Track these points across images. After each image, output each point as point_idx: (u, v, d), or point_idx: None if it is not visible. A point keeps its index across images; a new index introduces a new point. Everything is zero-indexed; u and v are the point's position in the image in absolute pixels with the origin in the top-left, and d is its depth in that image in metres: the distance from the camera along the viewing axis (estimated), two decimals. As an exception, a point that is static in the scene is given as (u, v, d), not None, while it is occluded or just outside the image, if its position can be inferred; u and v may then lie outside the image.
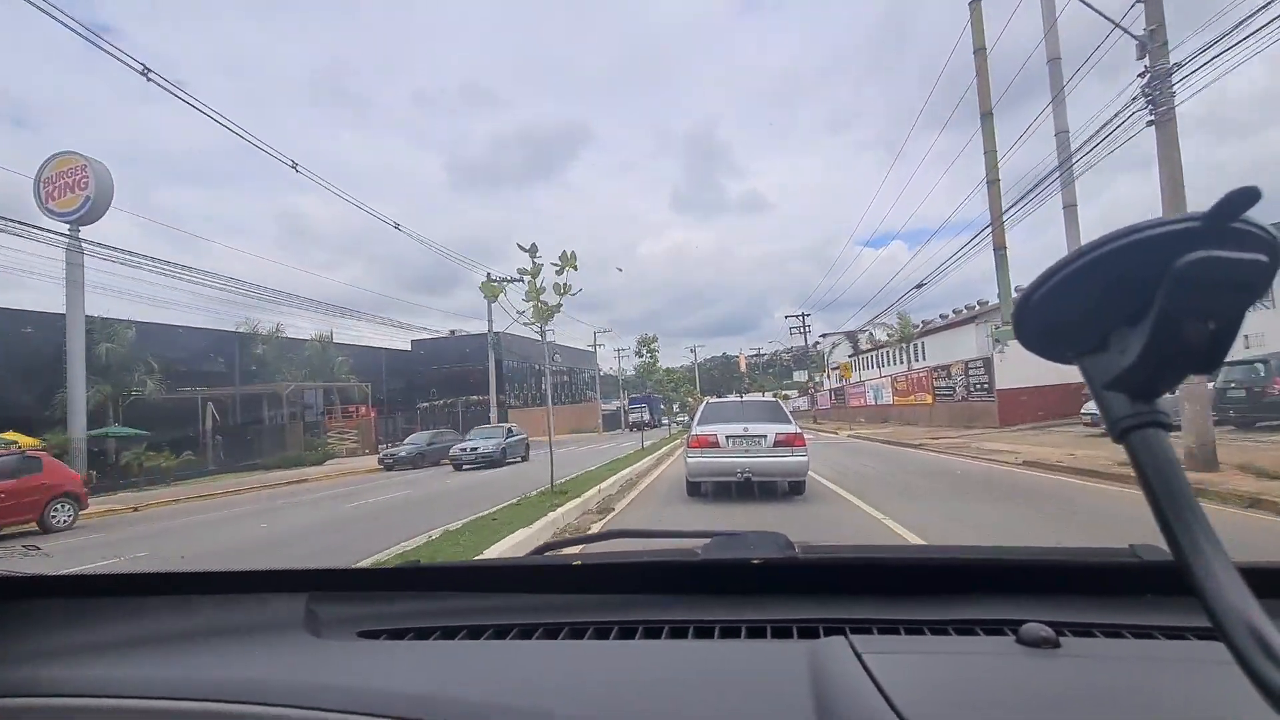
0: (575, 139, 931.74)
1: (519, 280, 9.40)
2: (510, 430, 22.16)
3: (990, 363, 21.72)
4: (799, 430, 8.53)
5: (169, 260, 20.25)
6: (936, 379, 26.13)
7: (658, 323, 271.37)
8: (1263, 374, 13.62)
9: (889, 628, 0.84)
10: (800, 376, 61.09)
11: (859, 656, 0.72)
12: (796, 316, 47.76)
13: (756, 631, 0.85)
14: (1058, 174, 15.68)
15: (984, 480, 10.01)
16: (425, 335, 41.60)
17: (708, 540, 1.06)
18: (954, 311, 38.09)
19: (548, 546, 1.32)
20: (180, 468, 22.32)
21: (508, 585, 1.04)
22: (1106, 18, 9.06)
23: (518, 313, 9.48)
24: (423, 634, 0.91)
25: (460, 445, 20.88)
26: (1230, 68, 7.66)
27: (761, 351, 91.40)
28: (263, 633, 0.92)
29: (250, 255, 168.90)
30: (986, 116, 22.73)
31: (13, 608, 0.91)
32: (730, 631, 0.86)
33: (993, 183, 22.44)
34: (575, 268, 9.05)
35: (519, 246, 8.89)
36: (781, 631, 0.85)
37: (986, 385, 22.04)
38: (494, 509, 7.93)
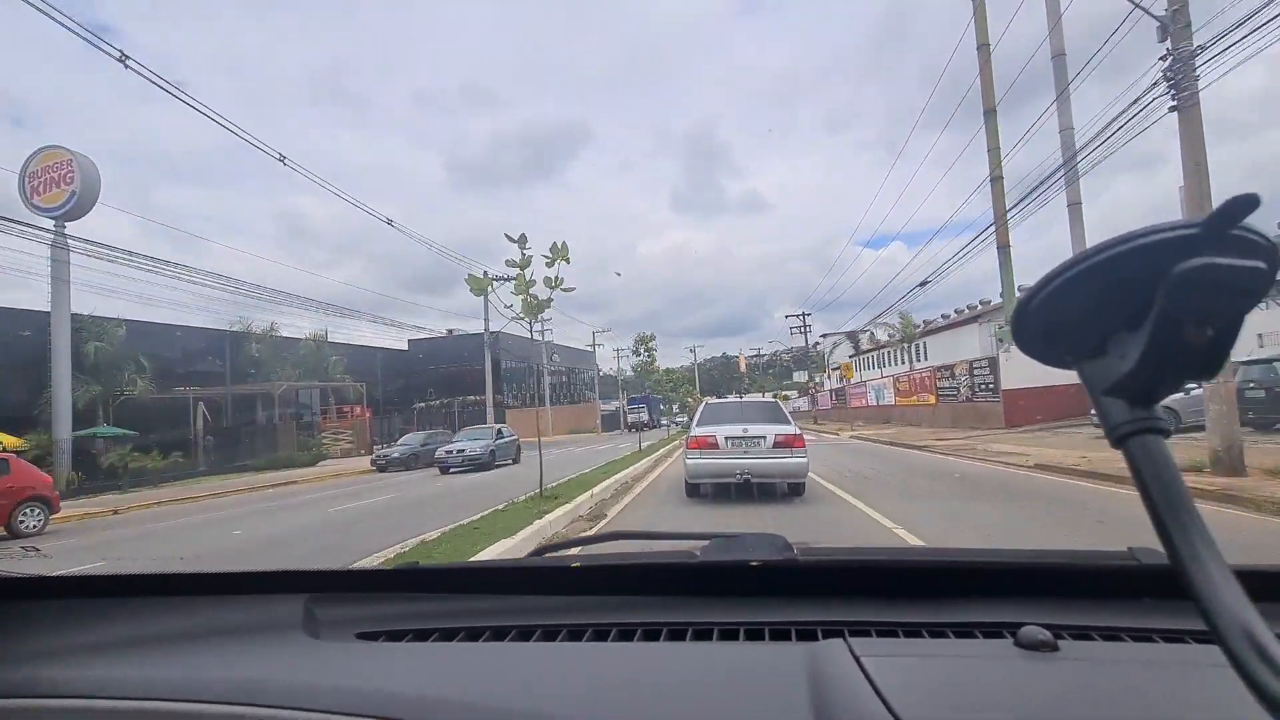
0: (575, 139, 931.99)
1: (508, 279, 8.99)
2: (500, 431, 21.21)
3: (995, 363, 21.27)
4: (799, 431, 8.44)
5: (155, 257, 19.81)
6: (940, 379, 25.67)
7: (657, 323, 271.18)
8: (1283, 373, 13.15)
9: (887, 630, 0.83)
10: (800, 377, 60.69)
11: (857, 659, 0.72)
12: (797, 316, 47.41)
13: (755, 634, 0.86)
14: (1063, 171, 15.23)
15: (999, 486, 9.40)
16: (423, 335, 41.22)
17: (706, 542, 1.06)
18: (955, 311, 37.67)
19: (546, 548, 1.33)
20: (168, 469, 21.89)
21: (506, 587, 1.04)
22: (1125, -1, 8.63)
23: (506, 306, 9.04)
24: (421, 635, 0.91)
25: (446, 447, 19.72)
26: (1259, 49, 7.24)
27: (761, 352, 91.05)
28: (261, 634, 0.92)
29: (249, 255, 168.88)
30: (990, 113, 22.40)
31: (12, 608, 0.92)
32: (729, 633, 0.86)
33: (996, 179, 22.08)
34: (567, 260, 8.61)
35: (507, 237, 8.45)
36: (780, 634, 0.85)
37: (991, 385, 21.59)
38: (476, 516, 7.44)
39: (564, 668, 0.80)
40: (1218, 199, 0.35)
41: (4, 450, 13.81)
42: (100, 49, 11.77)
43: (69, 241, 18.81)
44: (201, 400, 26.19)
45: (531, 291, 8.70)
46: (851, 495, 8.53)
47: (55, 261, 19.16)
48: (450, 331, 44.94)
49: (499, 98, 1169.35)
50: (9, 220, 16.14)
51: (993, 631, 0.81)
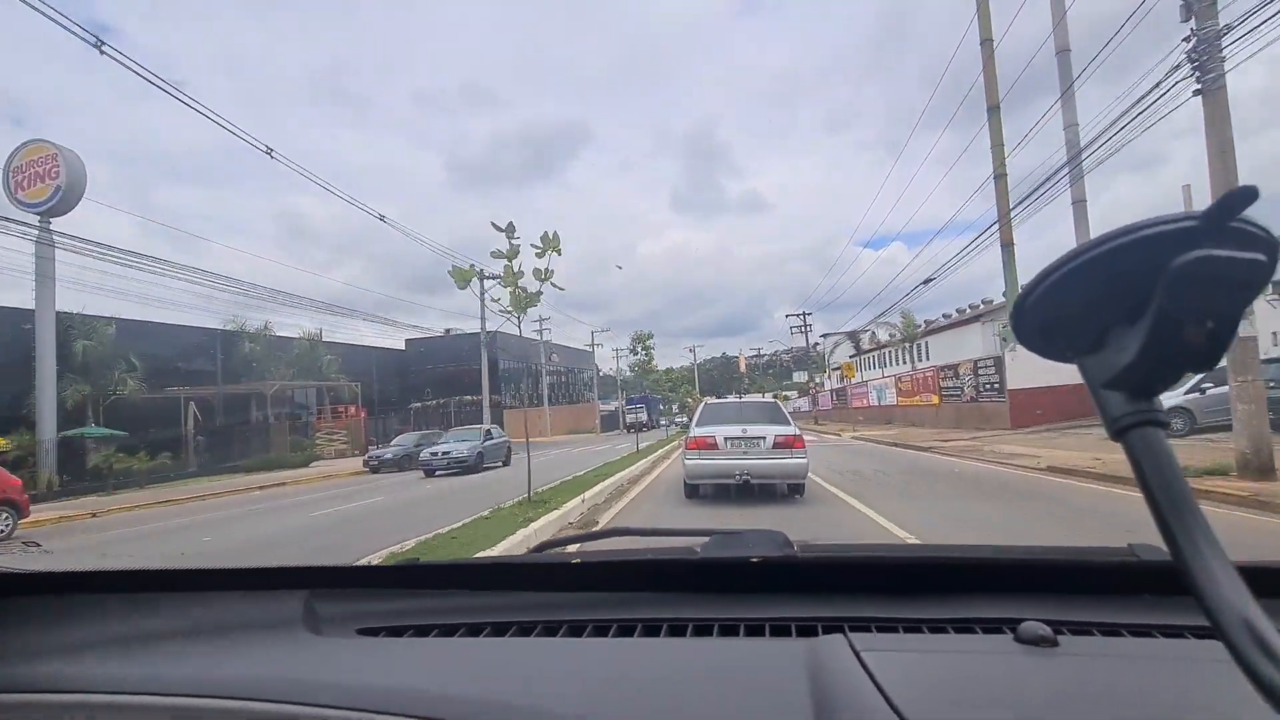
0: (575, 138, 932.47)
1: (496, 277, 8.57)
2: (490, 433, 20.53)
3: (1001, 362, 20.83)
4: (798, 432, 8.36)
5: (142, 254, 19.36)
6: (944, 379, 25.22)
7: (657, 323, 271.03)
8: (1302, 372, 12.68)
9: (887, 626, 0.83)
10: (800, 377, 60.21)
11: (857, 654, 0.72)
12: (797, 315, 46.92)
13: (755, 630, 0.85)
14: (1067, 169, 14.81)
15: (1017, 490, 8.88)
16: (420, 334, 40.78)
17: (706, 539, 1.06)
18: (957, 311, 37.26)
19: (547, 544, 1.34)
20: (157, 470, 21.44)
21: (507, 583, 1.04)
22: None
23: (493, 300, 8.62)
24: (422, 631, 0.91)
25: (431, 449, 18.82)
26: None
27: (761, 352, 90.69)
28: (262, 630, 0.91)
29: (249, 255, 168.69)
30: (993, 110, 22.00)
31: (12, 604, 0.91)
32: (729, 629, 0.86)
33: (1000, 177, 21.68)
34: (558, 251, 8.19)
35: (494, 225, 8.01)
36: (780, 630, 0.85)
37: (997, 385, 21.14)
38: (457, 525, 6.98)
39: (565, 663, 0.79)
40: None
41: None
42: (76, 35, 11.38)
43: (54, 237, 18.43)
44: (193, 400, 25.79)
45: (520, 284, 8.28)
46: (858, 498, 8.15)
47: (40, 258, 18.75)
48: (448, 331, 44.46)
49: (499, 98, 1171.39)
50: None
51: (993, 627, 0.81)
